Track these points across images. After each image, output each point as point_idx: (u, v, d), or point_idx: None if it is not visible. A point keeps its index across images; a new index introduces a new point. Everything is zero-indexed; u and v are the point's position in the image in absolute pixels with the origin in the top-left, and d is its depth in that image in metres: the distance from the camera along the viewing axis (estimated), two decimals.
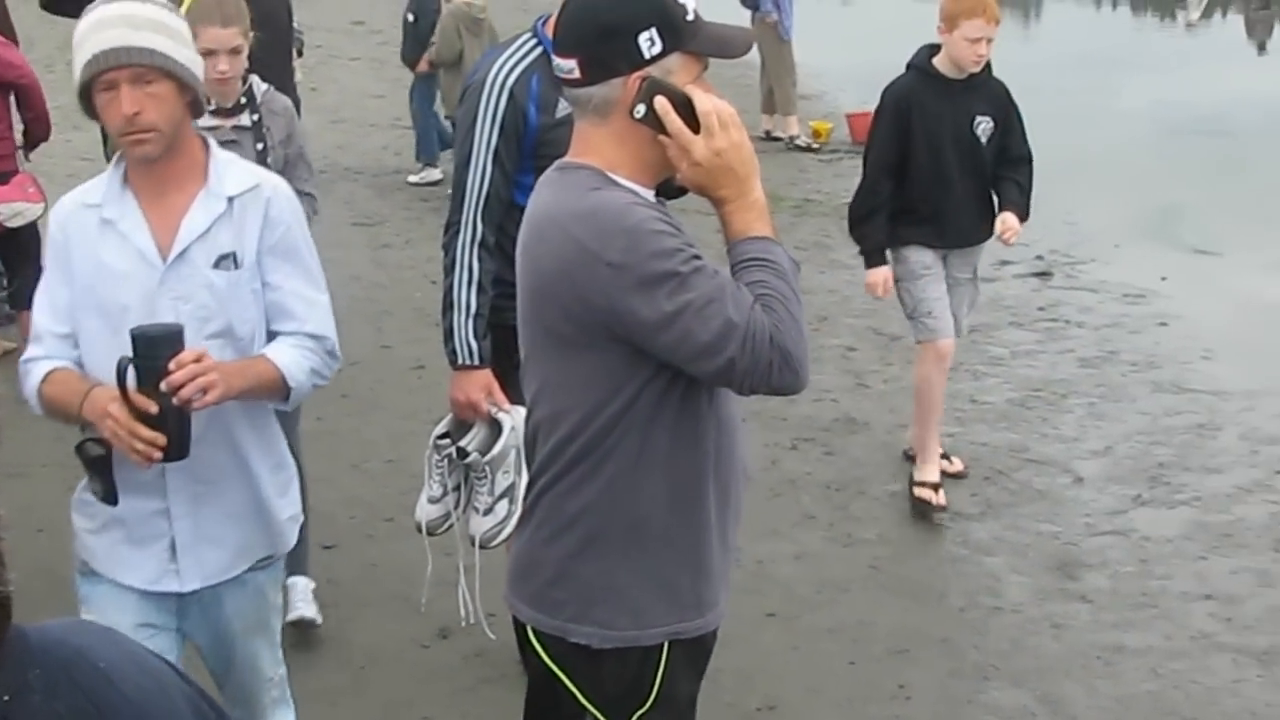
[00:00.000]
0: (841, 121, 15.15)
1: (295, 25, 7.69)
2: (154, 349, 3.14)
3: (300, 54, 10.29)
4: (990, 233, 6.56)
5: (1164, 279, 10.16)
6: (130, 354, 3.14)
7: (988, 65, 6.47)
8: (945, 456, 6.83)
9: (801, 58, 15.49)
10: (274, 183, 3.49)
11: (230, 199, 3.36)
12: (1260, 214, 12.08)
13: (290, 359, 3.39)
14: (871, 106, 14.98)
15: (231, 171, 3.42)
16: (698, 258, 2.68)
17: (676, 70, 2.75)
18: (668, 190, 3.01)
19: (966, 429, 7.51)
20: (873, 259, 6.57)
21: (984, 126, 6.49)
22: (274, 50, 5.59)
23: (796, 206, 12.20)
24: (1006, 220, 6.40)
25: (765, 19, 14.48)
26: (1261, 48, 25.27)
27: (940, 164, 6.47)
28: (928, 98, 6.46)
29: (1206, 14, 29.29)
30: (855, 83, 17.73)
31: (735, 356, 2.65)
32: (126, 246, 3.31)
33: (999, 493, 6.68)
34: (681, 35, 2.76)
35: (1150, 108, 17.50)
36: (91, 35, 3.22)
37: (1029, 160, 6.63)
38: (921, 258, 6.52)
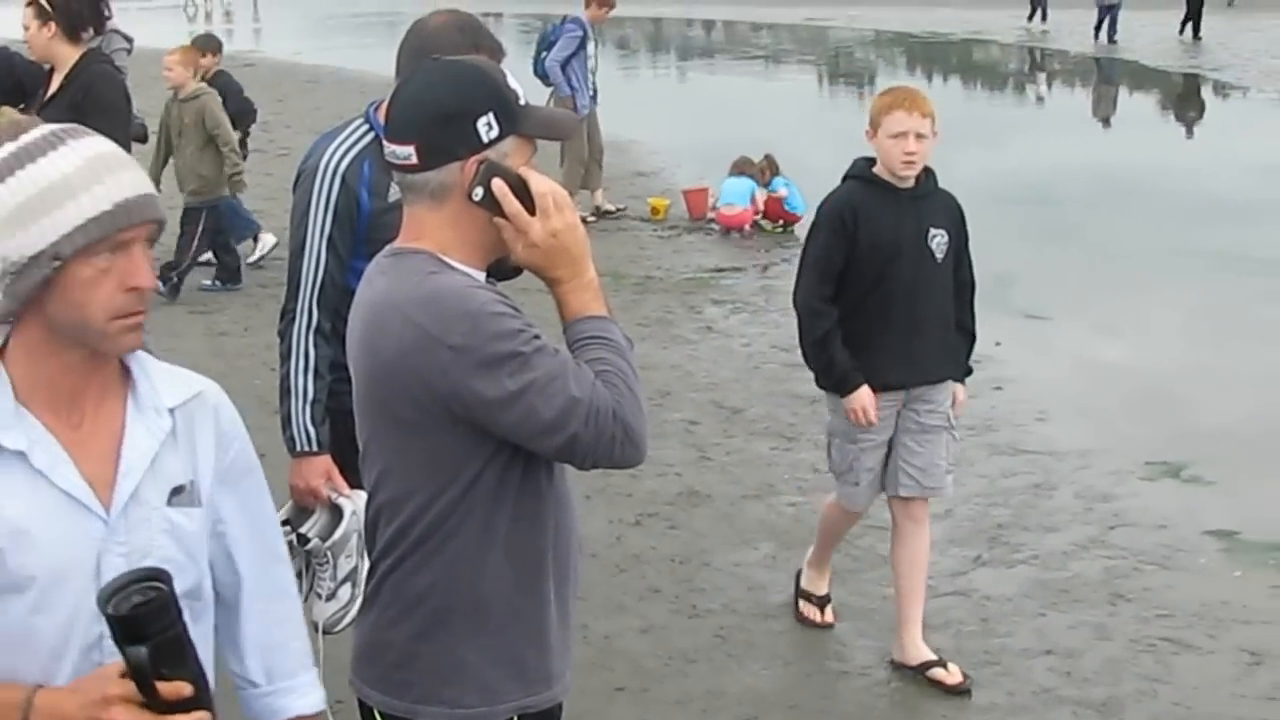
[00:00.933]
0: (679, 198, 15.32)
1: (136, 112, 7.66)
2: (164, 615, 2.21)
3: (144, 139, 10.26)
4: (957, 369, 5.81)
5: (998, 344, 10.33)
6: (122, 636, 2.19)
7: (933, 176, 5.72)
8: (942, 664, 5.76)
9: (638, 134, 15.73)
10: (214, 386, 2.64)
11: (172, 412, 2.51)
12: (1088, 279, 12.46)
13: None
14: (707, 181, 15.21)
15: (162, 375, 2.55)
16: (538, 337, 2.74)
17: (511, 153, 2.81)
18: (504, 272, 3.06)
19: (809, 498, 7.59)
20: (847, 382, 5.56)
21: (939, 240, 5.61)
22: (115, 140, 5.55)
23: (638, 283, 12.30)
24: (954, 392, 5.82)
25: (562, 99, 14.68)
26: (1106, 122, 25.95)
27: (892, 284, 5.54)
28: (874, 207, 5.57)
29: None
30: (692, 159, 18.00)
31: (579, 432, 2.71)
32: (46, 492, 2.35)
33: (843, 559, 6.76)
34: (516, 119, 2.82)
35: (980, 178, 17.81)
36: (100, 176, 2.32)
37: (972, 285, 5.86)
38: (861, 398, 5.55)
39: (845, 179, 5.79)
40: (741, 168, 14.55)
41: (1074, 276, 12.62)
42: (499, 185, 2.77)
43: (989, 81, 32.97)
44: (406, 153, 2.81)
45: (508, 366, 2.69)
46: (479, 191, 2.77)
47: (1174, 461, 8.20)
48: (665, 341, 10.61)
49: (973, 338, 5.91)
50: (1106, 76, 31.98)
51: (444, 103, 2.81)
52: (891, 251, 5.54)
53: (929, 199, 5.69)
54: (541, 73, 14.98)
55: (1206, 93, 28.09)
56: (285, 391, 4.44)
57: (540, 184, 2.80)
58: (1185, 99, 27.92)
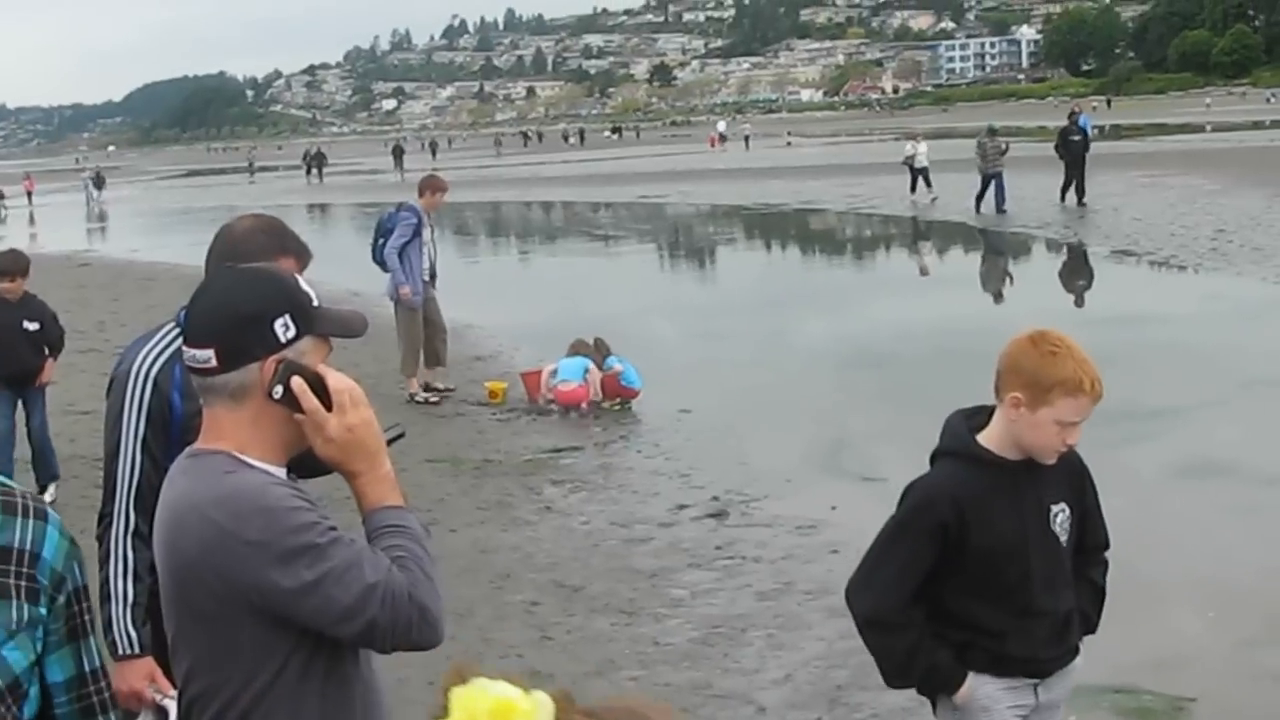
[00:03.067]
0: (517, 380, 15.44)
1: None
2: None
3: None
4: (1077, 649, 4.67)
5: (834, 508, 10.56)
6: None
7: None
8: None
9: (475, 318, 15.86)
10: None
11: None
12: (921, 438, 12.62)
13: None
14: (543, 364, 15.28)
15: None
16: (333, 529, 2.84)
17: (308, 352, 2.93)
18: (310, 469, 3.14)
19: (650, 671, 7.64)
20: (953, 680, 4.43)
21: (1061, 519, 4.46)
22: None
23: (477, 467, 12.35)
24: None
25: (399, 284, 14.92)
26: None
27: (1008, 583, 4.35)
28: (987, 498, 4.31)
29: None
30: (530, 341, 18.18)
31: (376, 616, 2.80)
32: None
33: None
34: (311, 320, 2.95)
35: (818, 343, 18.27)
36: None
37: (1106, 546, 4.79)
38: (986, 691, 4.46)
39: (940, 456, 4.49)
40: (577, 349, 14.74)
41: (908, 437, 12.78)
42: (298, 383, 2.87)
43: (825, 249, 33.69)
44: (206, 356, 2.91)
45: (304, 558, 2.78)
46: (278, 390, 2.88)
47: None
48: (505, 524, 10.65)
49: (1102, 594, 4.80)
50: (951, 238, 32.65)
51: (242, 307, 2.92)
52: (1012, 551, 4.33)
53: (1045, 466, 4.38)
54: (379, 259, 15.20)
55: (1048, 251, 28.89)
56: (105, 596, 4.45)
57: (337, 381, 2.92)
58: (1026, 258, 28.75)
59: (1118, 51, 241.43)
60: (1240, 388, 14.19)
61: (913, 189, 40.22)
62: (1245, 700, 7.15)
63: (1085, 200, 34.40)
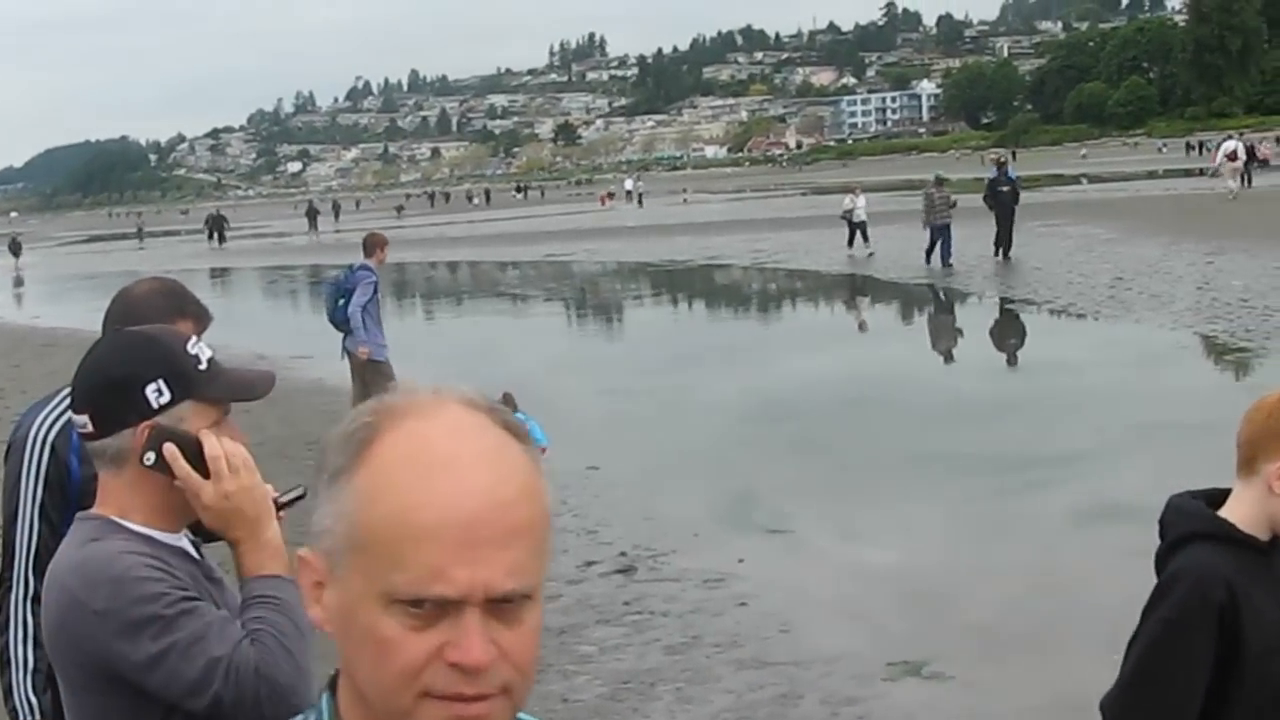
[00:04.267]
0: None
1: None
2: None
3: None
4: None
5: (741, 561, 10.60)
6: None
7: None
8: None
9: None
10: None
11: None
12: (827, 490, 12.81)
13: None
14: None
15: None
16: (187, 599, 2.80)
17: (189, 417, 2.89)
18: (207, 533, 3.12)
19: None
20: None
21: None
22: None
23: None
24: None
25: (359, 343, 14.97)
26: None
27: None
28: (1250, 586, 3.46)
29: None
30: None
31: (220, 691, 2.75)
32: None
33: None
34: (192, 384, 2.90)
35: (724, 398, 18.34)
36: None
37: None
38: None
39: (1190, 540, 3.65)
40: None
41: (813, 489, 12.96)
42: (169, 449, 2.84)
43: (731, 304, 33.82)
44: (83, 421, 2.91)
45: (149, 629, 2.74)
46: (150, 456, 2.85)
47: (915, 660, 8.41)
48: None
49: None
50: (859, 291, 32.84)
51: (112, 372, 2.90)
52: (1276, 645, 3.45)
53: None
54: (341, 318, 15.29)
55: (950, 301, 29.22)
56: (5, 663, 4.40)
57: (213, 448, 2.87)
58: (931, 308, 29.07)
59: (1015, 104, 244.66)
60: (1141, 432, 14.38)
61: (850, 243, 39.88)
62: None
63: (1011, 254, 33.95)
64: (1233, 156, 51.71)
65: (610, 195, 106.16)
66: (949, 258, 33.60)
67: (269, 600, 2.90)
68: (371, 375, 15.18)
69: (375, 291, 15.35)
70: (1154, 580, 3.63)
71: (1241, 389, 16.86)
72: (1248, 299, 23.46)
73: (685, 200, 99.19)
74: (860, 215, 39.92)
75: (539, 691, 8.14)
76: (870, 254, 38.39)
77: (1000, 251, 34.23)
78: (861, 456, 14.25)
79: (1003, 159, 38.89)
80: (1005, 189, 35.11)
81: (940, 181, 35.83)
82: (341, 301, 15.35)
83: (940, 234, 33.72)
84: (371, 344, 15.25)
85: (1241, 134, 72.95)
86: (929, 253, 34.20)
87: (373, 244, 15.92)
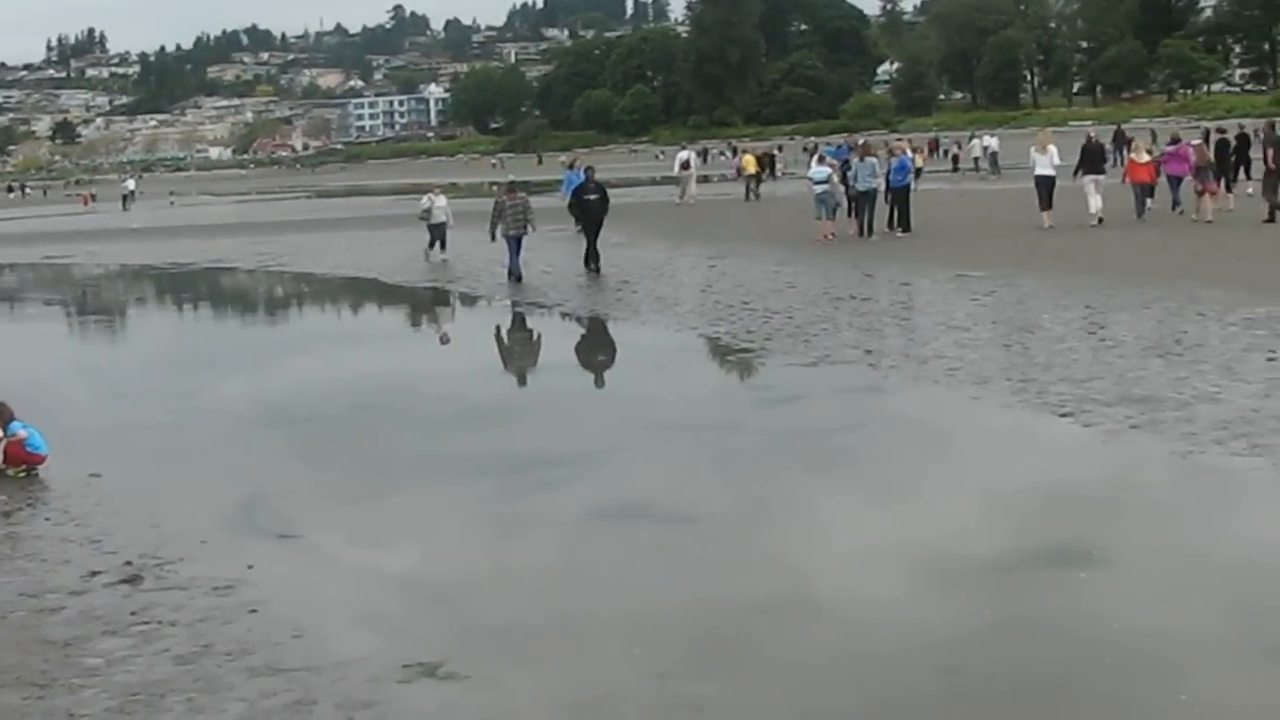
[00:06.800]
0: None
1: None
2: None
3: None
4: None
5: (251, 567, 10.45)
6: None
7: None
8: None
9: None
10: None
11: None
12: (338, 495, 12.72)
13: None
14: None
15: None
16: None
17: None
18: None
19: None
20: None
21: None
22: None
23: None
24: None
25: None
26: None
27: None
28: None
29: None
30: None
31: None
32: None
33: None
34: None
35: (231, 402, 18.01)
36: None
37: None
38: None
39: None
40: None
41: (326, 493, 12.86)
42: None
43: (237, 307, 33.23)
44: None
45: None
46: None
47: (430, 661, 8.45)
48: None
49: None
50: (366, 296, 32.53)
51: None
52: None
53: None
54: None
55: (463, 305, 29.41)
56: None
57: None
58: (441, 312, 29.22)
59: (524, 110, 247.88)
60: (650, 432, 14.84)
61: (431, 246, 37.15)
62: None
63: (599, 266, 30.95)
64: (686, 165, 57.98)
65: (93, 197, 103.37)
66: (518, 270, 30.49)
67: None
68: None
69: None
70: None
71: (745, 389, 17.64)
72: (749, 301, 24.50)
73: (173, 203, 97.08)
74: (440, 216, 37.17)
75: (43, 708, 7.94)
76: (444, 260, 36.23)
77: (592, 265, 31.16)
78: (373, 460, 14.21)
79: (575, 161, 37.74)
80: (593, 197, 32.21)
81: (514, 187, 32.53)
82: None
83: (514, 245, 30.45)
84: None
85: (732, 144, 75.77)
86: (510, 267, 30.64)
87: None
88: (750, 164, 59.08)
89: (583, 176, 34.74)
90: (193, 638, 9.06)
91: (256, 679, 8.31)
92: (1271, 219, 31.69)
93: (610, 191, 33.73)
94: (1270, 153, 32.19)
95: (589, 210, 32.15)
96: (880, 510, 11.57)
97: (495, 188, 48.81)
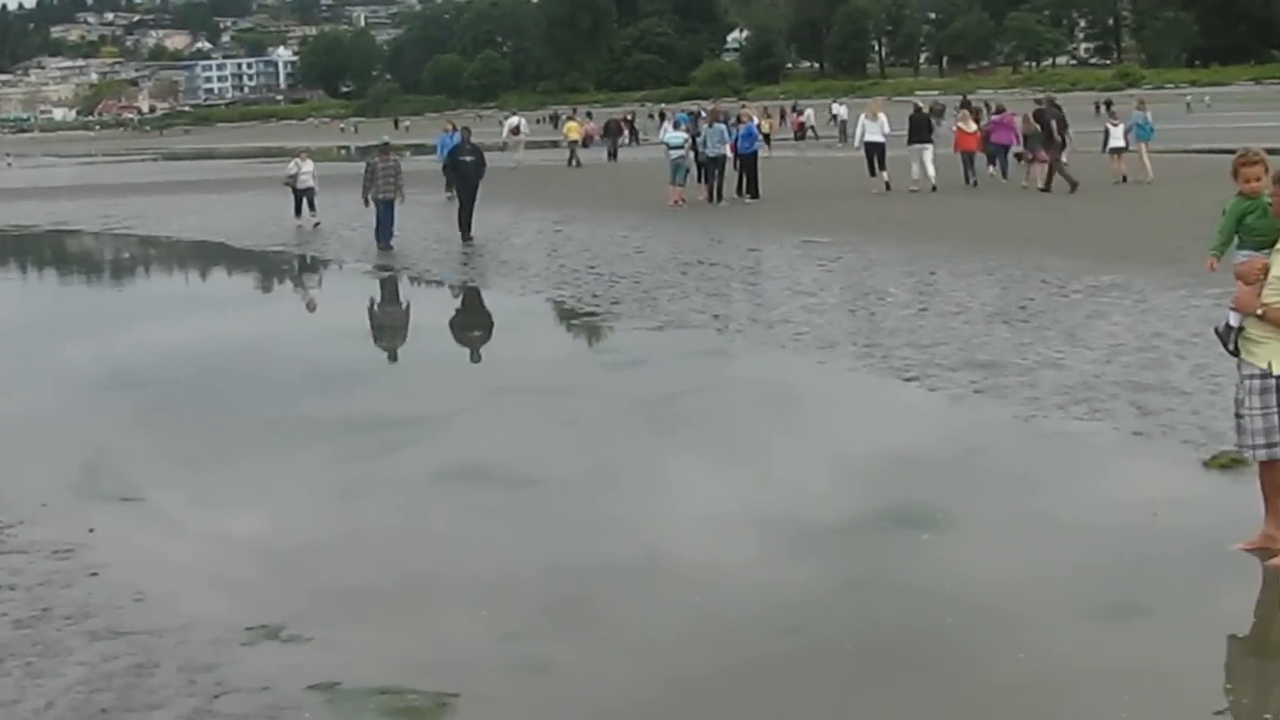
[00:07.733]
0: None
1: None
2: None
3: None
4: None
5: (92, 531, 10.31)
6: None
7: None
8: None
9: None
10: None
11: None
12: (182, 458, 12.57)
13: None
14: None
15: None
16: None
17: None
18: None
19: None
20: None
21: None
22: None
23: None
24: None
25: None
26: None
27: None
28: None
29: None
30: None
31: None
32: None
33: None
34: None
35: (72, 367, 17.73)
36: None
37: None
38: None
39: None
40: None
41: (170, 456, 12.71)
42: None
43: (81, 270, 32.73)
44: None
45: None
46: None
47: (273, 624, 8.38)
48: None
49: None
50: (214, 259, 32.17)
51: None
52: None
53: None
54: None
55: (311, 269, 29.24)
56: None
57: None
58: (291, 275, 28.99)
59: (375, 74, 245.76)
60: (494, 395, 14.84)
61: (297, 212, 35.84)
62: (508, 692, 7.47)
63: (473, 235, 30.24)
64: (515, 131, 60.33)
65: None
66: (389, 238, 29.86)
67: None
68: None
69: None
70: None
71: (591, 353, 17.69)
72: (595, 266, 24.55)
73: (10, 164, 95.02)
74: (307, 181, 35.94)
75: None
76: (316, 224, 35.39)
77: (464, 232, 30.48)
78: (218, 424, 14.06)
79: (452, 125, 37.71)
80: (469, 159, 31.63)
81: (387, 148, 31.74)
82: None
83: (384, 210, 29.83)
84: None
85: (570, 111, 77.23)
86: (379, 231, 29.97)
87: None
88: (572, 131, 60.93)
89: (458, 138, 34.45)
90: (31, 601, 8.93)
91: (97, 642, 8.21)
92: (1047, 188, 33.83)
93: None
94: (1054, 124, 34.05)
95: (464, 171, 31.61)
96: (726, 474, 11.66)
97: (343, 152, 48.29)
